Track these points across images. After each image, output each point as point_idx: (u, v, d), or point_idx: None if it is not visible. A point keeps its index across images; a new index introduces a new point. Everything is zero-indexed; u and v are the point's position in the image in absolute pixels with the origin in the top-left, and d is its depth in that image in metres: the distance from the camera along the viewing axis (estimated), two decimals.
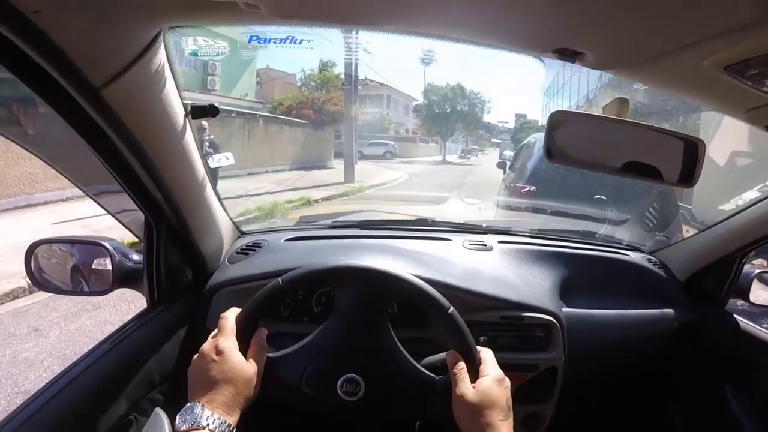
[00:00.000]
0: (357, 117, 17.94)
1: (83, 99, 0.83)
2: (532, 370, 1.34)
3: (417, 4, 0.69)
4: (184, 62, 14.59)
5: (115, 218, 1.30)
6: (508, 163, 7.72)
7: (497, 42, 0.82)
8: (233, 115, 15.80)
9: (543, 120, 33.33)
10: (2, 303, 5.56)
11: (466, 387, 0.90)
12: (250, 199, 10.00)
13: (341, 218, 2.14)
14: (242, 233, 1.70)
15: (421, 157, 29.66)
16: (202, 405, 0.82)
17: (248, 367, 0.89)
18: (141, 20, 0.81)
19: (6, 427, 0.88)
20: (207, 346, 0.91)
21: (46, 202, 10.61)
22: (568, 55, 0.75)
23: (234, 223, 1.64)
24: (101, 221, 7.72)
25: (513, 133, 37.44)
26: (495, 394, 0.90)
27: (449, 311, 0.97)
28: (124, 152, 0.98)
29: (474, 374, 0.93)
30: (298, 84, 24.83)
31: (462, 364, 0.93)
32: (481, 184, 12.32)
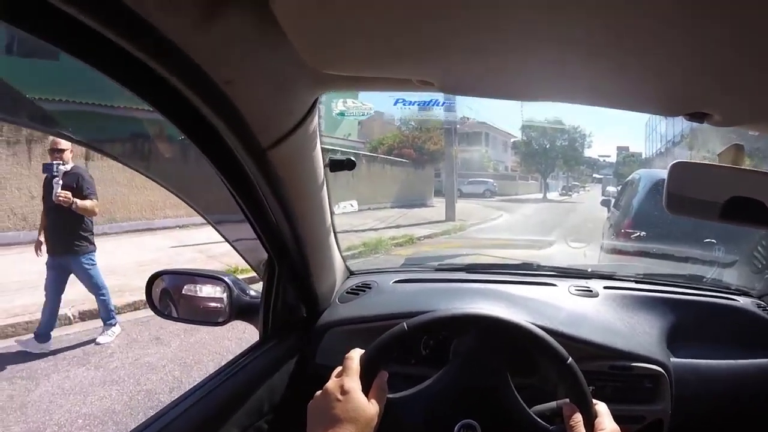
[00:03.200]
0: (456, 155, 18.05)
1: (248, 158, 0.90)
2: (638, 422, 1.31)
3: (566, 80, 0.74)
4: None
5: (234, 247, 1.36)
6: (612, 200, 7.50)
7: (634, 108, 0.88)
8: (338, 154, 16.45)
9: (646, 152, 31.48)
10: (125, 312, 6.06)
11: None
12: (355, 235, 10.28)
13: (446, 261, 2.16)
14: (352, 273, 1.74)
15: (521, 195, 29.04)
16: None
17: (370, 408, 0.89)
18: (311, 88, 0.88)
19: None
20: (332, 384, 0.92)
21: (164, 228, 11.63)
22: (698, 117, 0.78)
23: (345, 263, 1.68)
24: (217, 247, 8.37)
25: (615, 167, 35.78)
26: None
27: (568, 362, 0.97)
28: (266, 201, 1.05)
29: (589, 427, 0.92)
30: (398, 124, 25.32)
31: (579, 417, 0.92)
32: (584, 224, 11.89)
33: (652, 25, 0.51)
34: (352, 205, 2.11)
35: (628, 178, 7.29)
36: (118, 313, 5.95)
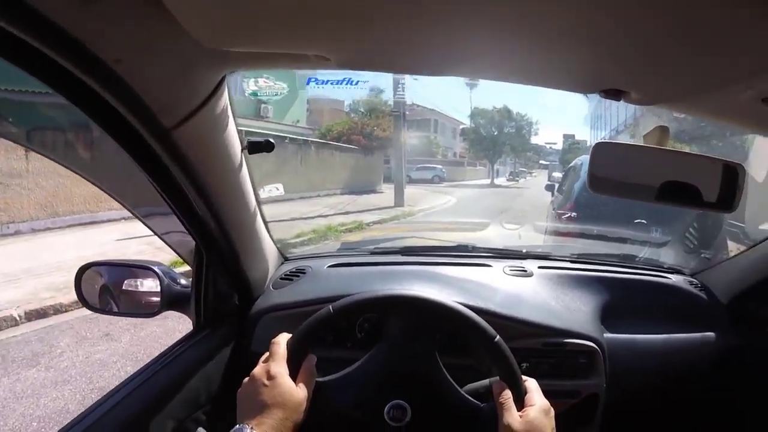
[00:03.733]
0: (405, 142, 18.17)
1: (153, 139, 0.87)
2: (573, 396, 1.33)
3: (470, 53, 0.73)
4: (239, 91, 15.24)
5: (163, 240, 1.34)
6: (557, 185, 7.70)
7: (545, 84, 0.87)
8: (286, 141, 16.32)
9: (591, 140, 32.68)
10: (72, 310, 5.88)
11: (512, 416, 0.90)
12: (305, 222, 10.26)
13: (383, 245, 2.16)
14: (286, 259, 1.72)
15: (469, 181, 29.65)
16: (252, 428, 0.84)
17: (298, 392, 0.90)
18: (212, 67, 0.85)
19: None
20: (258, 370, 0.92)
21: (109, 220, 11.25)
22: (613, 94, 0.79)
23: (278, 249, 1.66)
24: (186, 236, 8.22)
25: (561, 154, 36.96)
26: (541, 424, 0.91)
27: (495, 340, 0.97)
28: (184, 186, 1.02)
29: (519, 403, 0.93)
30: (347, 110, 25.25)
31: (508, 393, 0.93)
32: (530, 208, 12.22)
33: (559, 2, 0.51)
34: (277, 188, 2.05)
35: (570, 164, 7.51)
36: (65, 311, 5.82)
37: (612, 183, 1.04)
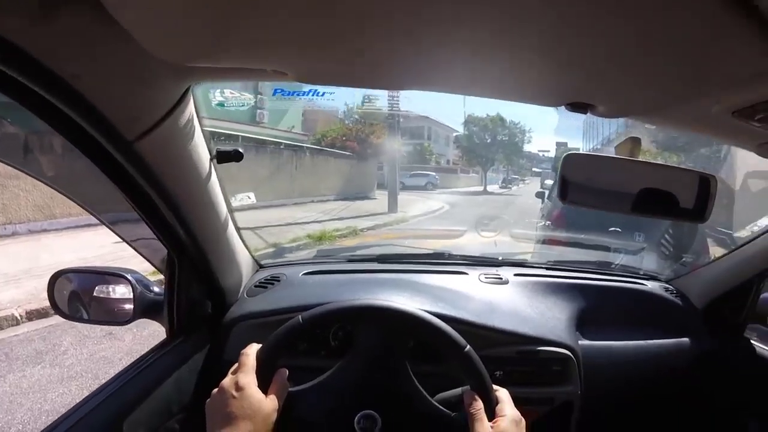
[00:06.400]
0: (399, 149, 18.25)
1: (116, 152, 0.86)
2: (547, 404, 1.34)
3: (431, 68, 0.72)
4: (234, 101, 15.29)
5: (135, 249, 1.33)
6: (547, 192, 7.72)
7: (512, 98, 0.87)
8: (282, 147, 16.37)
9: (583, 148, 32.90)
10: None
11: (483, 427, 0.89)
12: (300, 227, 10.30)
13: (359, 252, 2.16)
14: (261, 266, 1.71)
15: (462, 188, 29.81)
16: None
17: (267, 404, 0.88)
18: (172, 79, 0.85)
19: None
20: (227, 381, 0.91)
21: None
22: (580, 107, 0.79)
23: (253, 256, 1.65)
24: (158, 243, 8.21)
25: (554, 161, 37.08)
26: None
27: (465, 350, 0.97)
28: (152, 195, 1.01)
29: (491, 414, 0.92)
30: (341, 117, 25.34)
31: (479, 404, 0.92)
32: (521, 215, 12.30)
33: (522, 16, 0.51)
34: (249, 197, 2.04)
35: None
36: None
37: (584, 195, 1.05)
